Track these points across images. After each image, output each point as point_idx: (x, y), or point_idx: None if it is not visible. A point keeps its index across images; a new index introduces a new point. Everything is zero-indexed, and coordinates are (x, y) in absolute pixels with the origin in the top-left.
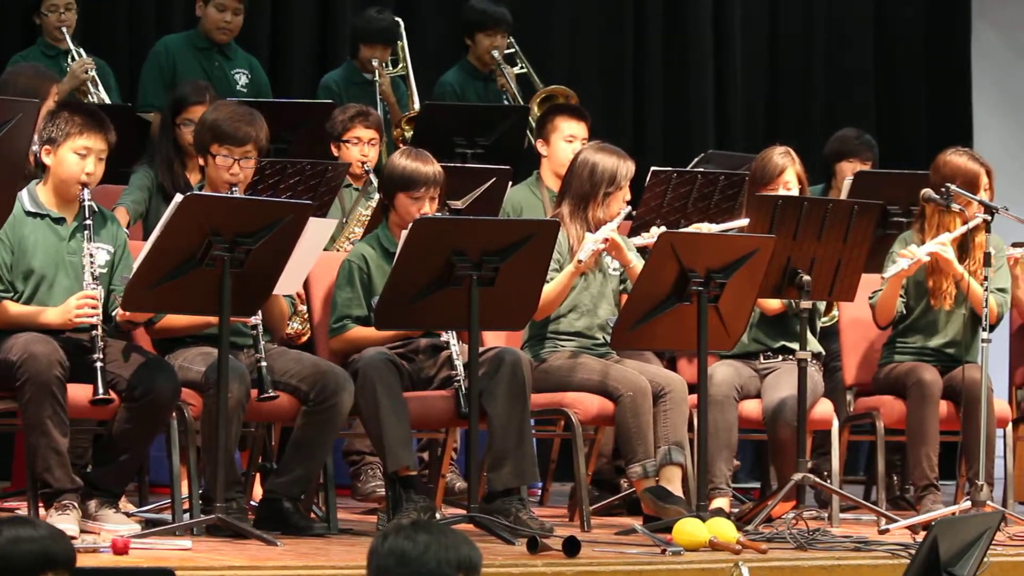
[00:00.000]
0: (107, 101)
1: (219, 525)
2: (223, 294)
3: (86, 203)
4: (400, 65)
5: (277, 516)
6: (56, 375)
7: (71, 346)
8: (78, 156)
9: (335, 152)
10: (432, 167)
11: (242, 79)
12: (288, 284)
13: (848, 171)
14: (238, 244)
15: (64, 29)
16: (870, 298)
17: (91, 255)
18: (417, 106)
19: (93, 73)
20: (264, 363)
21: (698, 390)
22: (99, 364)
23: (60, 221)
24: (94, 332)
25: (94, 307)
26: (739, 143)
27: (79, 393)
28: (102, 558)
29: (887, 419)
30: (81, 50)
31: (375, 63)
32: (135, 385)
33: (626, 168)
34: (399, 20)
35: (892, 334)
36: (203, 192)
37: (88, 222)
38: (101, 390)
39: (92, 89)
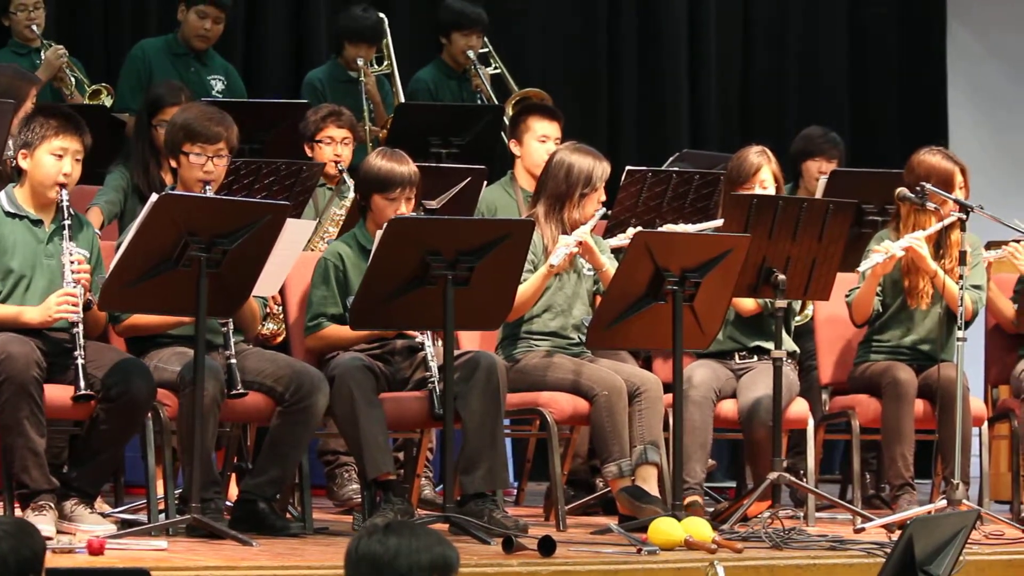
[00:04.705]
0: (85, 82)
1: (194, 525)
2: (200, 295)
3: (64, 204)
4: (385, 63)
5: (252, 516)
6: (33, 375)
7: (49, 345)
8: (55, 158)
9: (308, 152)
10: (408, 168)
11: (218, 85)
12: (267, 286)
13: (814, 170)
14: (215, 245)
15: (35, 27)
16: (847, 296)
17: (70, 253)
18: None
19: (66, 58)
20: (233, 361)
21: (673, 389)
22: (80, 361)
23: (38, 223)
24: (74, 330)
25: (74, 304)
26: (713, 142)
27: (55, 393)
28: (77, 559)
29: (862, 418)
30: (52, 43)
31: (360, 62)
32: (111, 386)
33: (602, 169)
34: (383, 17)
35: (867, 332)
36: (179, 192)
37: (67, 222)
38: (83, 386)
39: (69, 74)
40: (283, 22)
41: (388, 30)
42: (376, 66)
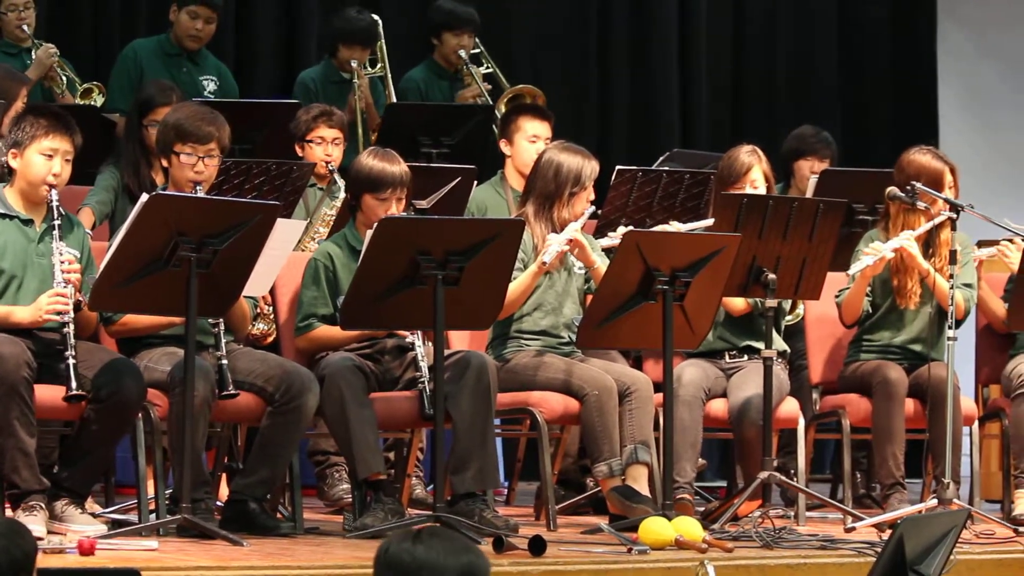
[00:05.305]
0: (77, 81)
1: (185, 525)
2: (190, 295)
3: (54, 204)
4: (378, 65)
5: (243, 516)
6: (24, 376)
7: (40, 346)
8: (44, 157)
9: (299, 152)
10: (399, 168)
11: (210, 85)
12: (257, 286)
13: (806, 169)
14: (205, 245)
15: (26, 27)
16: (836, 296)
17: (60, 253)
18: None
19: (57, 58)
20: (224, 361)
21: (664, 389)
22: (71, 361)
23: (28, 223)
24: (65, 329)
25: (65, 304)
26: (704, 142)
27: (46, 393)
28: (68, 559)
29: (853, 417)
30: (42, 42)
31: (354, 64)
32: (101, 386)
33: (590, 168)
34: (377, 19)
35: (858, 332)
36: (169, 192)
37: (57, 222)
38: (74, 386)
39: (60, 73)
40: (273, 23)
41: (382, 32)
42: (369, 68)
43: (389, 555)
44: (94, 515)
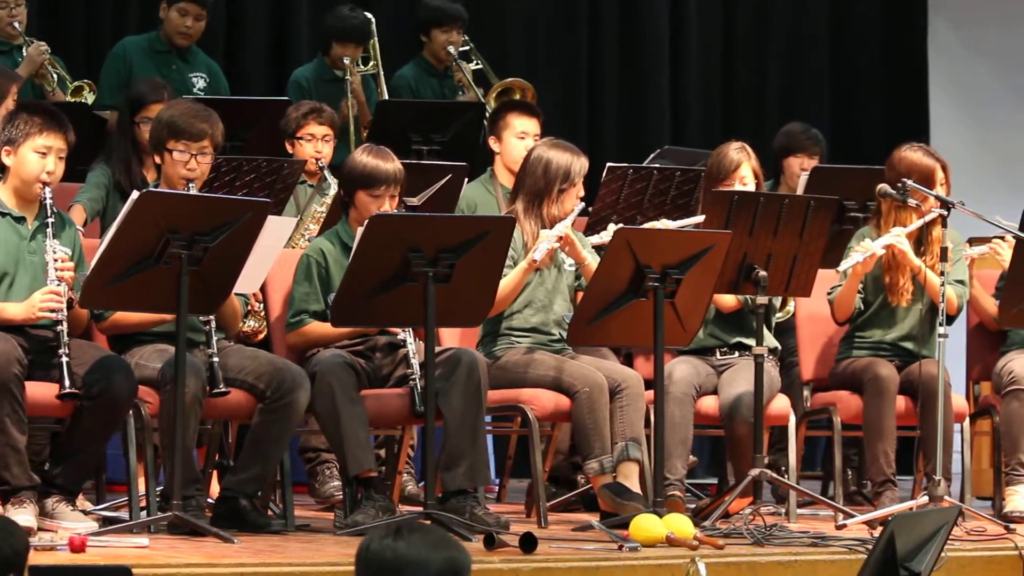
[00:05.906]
0: (67, 78)
1: (176, 523)
2: (180, 292)
3: (47, 201)
4: (371, 63)
5: (234, 513)
6: (14, 373)
7: (31, 343)
8: (38, 155)
9: (289, 149)
10: (393, 165)
11: (200, 83)
12: (248, 283)
13: (796, 166)
14: (196, 242)
15: (17, 24)
16: (829, 294)
17: (54, 251)
18: None
19: (48, 55)
20: (216, 359)
21: (655, 387)
22: (65, 359)
23: (21, 220)
24: (59, 328)
25: (59, 302)
26: (695, 139)
27: (37, 391)
28: (59, 556)
29: (844, 414)
30: (33, 39)
31: (347, 61)
32: (92, 383)
33: (579, 164)
34: (371, 17)
35: (849, 329)
36: (160, 189)
37: (50, 220)
38: (68, 384)
39: (51, 70)
40: (264, 20)
41: (375, 31)
42: (362, 66)
43: (370, 552)
44: (85, 512)
